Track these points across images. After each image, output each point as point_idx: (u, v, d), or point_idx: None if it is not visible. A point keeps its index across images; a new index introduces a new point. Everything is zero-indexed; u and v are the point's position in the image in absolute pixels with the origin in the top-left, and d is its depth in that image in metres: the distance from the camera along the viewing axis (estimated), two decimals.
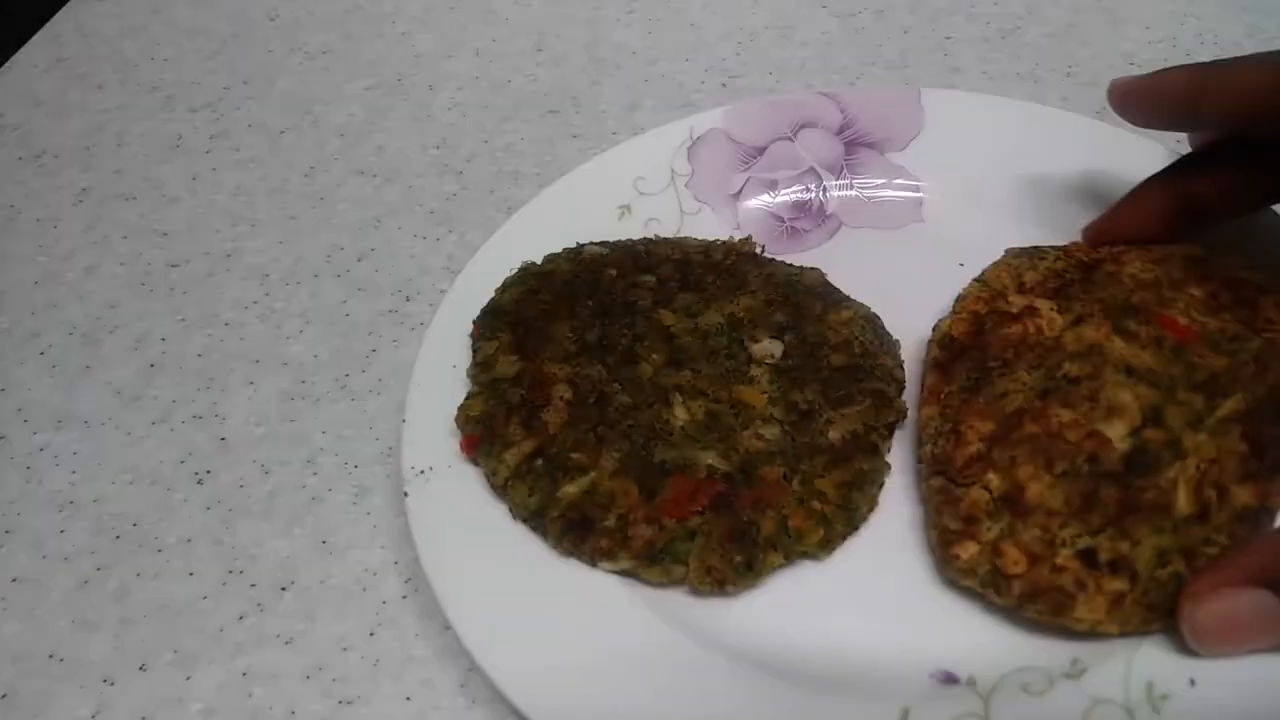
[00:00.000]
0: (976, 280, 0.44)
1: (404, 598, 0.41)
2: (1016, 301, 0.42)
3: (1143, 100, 0.42)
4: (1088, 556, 0.34)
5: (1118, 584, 0.34)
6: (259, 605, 0.41)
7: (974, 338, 0.41)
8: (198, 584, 0.42)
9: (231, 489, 0.45)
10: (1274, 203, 0.43)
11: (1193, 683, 0.32)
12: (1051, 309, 0.41)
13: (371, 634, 0.40)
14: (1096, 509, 0.35)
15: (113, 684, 0.39)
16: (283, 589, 0.41)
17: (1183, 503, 0.35)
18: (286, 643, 0.40)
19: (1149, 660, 0.33)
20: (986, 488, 0.37)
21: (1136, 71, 0.59)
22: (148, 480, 0.46)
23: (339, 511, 0.44)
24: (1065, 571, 0.34)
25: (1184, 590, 0.33)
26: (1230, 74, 0.39)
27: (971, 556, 0.35)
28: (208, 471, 0.46)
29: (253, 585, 0.42)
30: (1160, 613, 0.33)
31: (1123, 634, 0.34)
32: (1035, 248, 0.45)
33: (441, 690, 0.38)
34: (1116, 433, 0.36)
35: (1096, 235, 0.45)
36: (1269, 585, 0.32)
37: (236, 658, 0.40)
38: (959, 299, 0.43)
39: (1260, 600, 0.32)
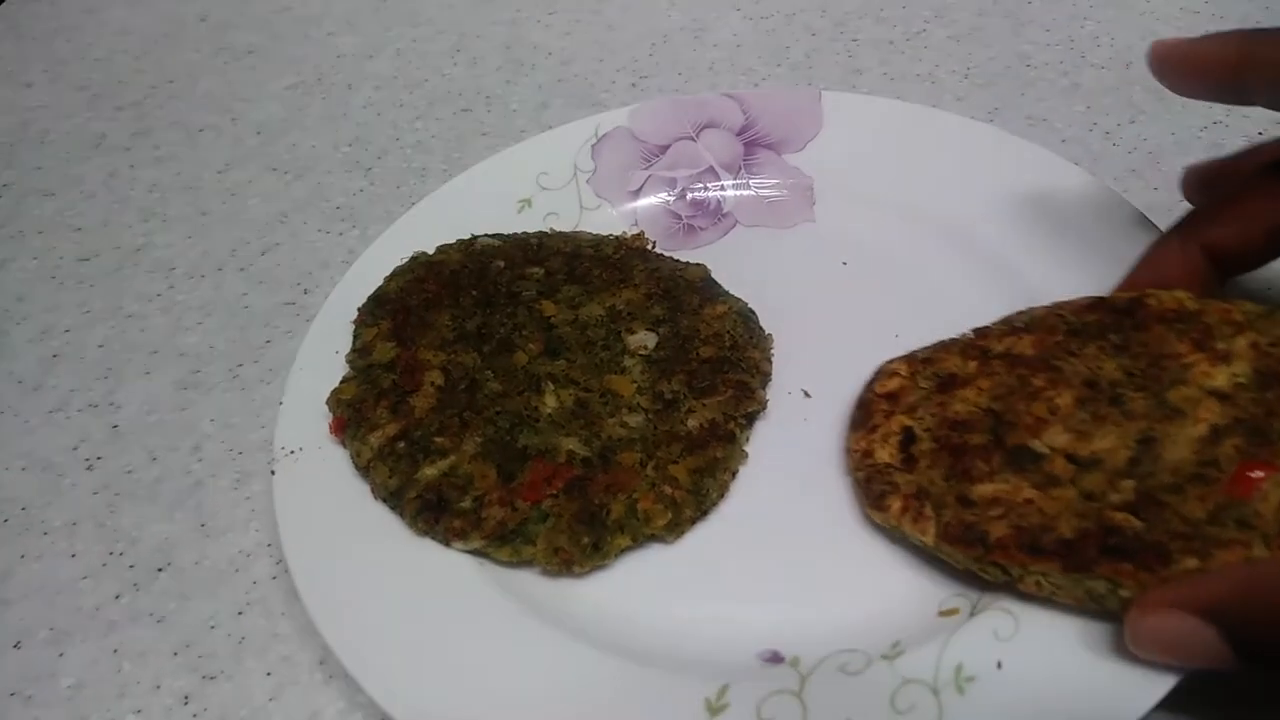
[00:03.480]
0: (1266, 308, 0.39)
1: (274, 578, 0.42)
2: (1230, 344, 0.38)
3: (1185, 65, 0.38)
4: (908, 435, 0.40)
5: (885, 453, 0.39)
6: (135, 585, 0.42)
7: (1128, 309, 0.41)
8: (79, 565, 0.43)
9: (119, 474, 0.46)
10: None
11: (999, 665, 0.34)
12: (1236, 376, 0.37)
13: (240, 613, 0.41)
14: (959, 432, 0.39)
15: None
16: (159, 570, 0.43)
17: (980, 491, 0.36)
18: (159, 621, 0.41)
19: (962, 644, 0.35)
20: (965, 362, 0.41)
21: (1030, 73, 0.61)
22: (40, 466, 0.47)
23: (220, 496, 0.45)
24: (891, 427, 0.40)
25: (1137, 599, 0.32)
26: None
27: (896, 363, 0.43)
28: (98, 458, 0.47)
29: (131, 566, 0.43)
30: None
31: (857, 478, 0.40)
32: None
33: (301, 666, 0.39)
34: (1052, 438, 0.37)
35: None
36: (1217, 617, 0.30)
37: (109, 635, 0.41)
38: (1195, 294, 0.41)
39: (1203, 635, 0.30)
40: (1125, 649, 0.33)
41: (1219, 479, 0.34)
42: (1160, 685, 0.32)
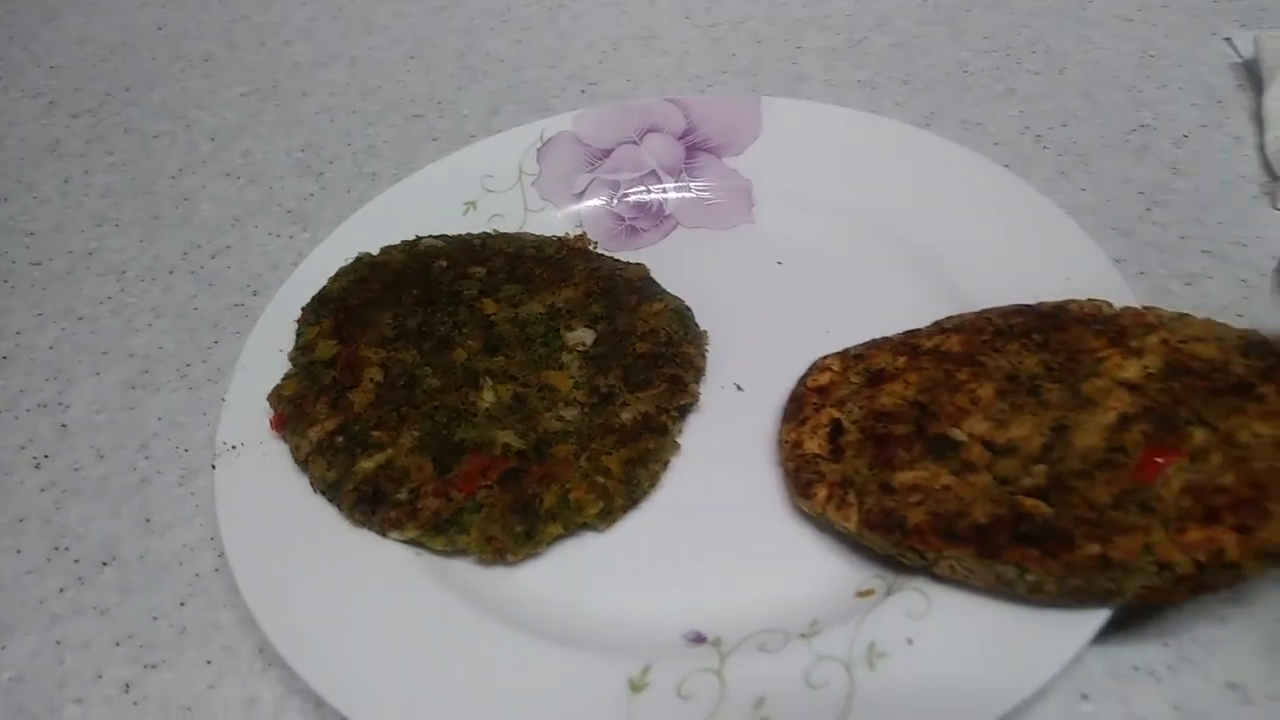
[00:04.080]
0: (1178, 313, 0.41)
1: (216, 570, 0.43)
2: (1143, 341, 0.40)
3: None
4: (837, 426, 0.41)
5: (814, 444, 0.40)
6: (80, 579, 0.43)
7: (1051, 314, 0.42)
8: (23, 560, 0.44)
9: (67, 472, 0.47)
10: None
11: (910, 642, 0.35)
12: (1147, 368, 0.39)
13: (182, 604, 0.42)
14: (884, 423, 0.40)
15: None
16: (104, 564, 0.44)
17: (901, 479, 0.38)
18: (102, 613, 0.42)
19: (876, 622, 0.36)
20: (895, 359, 0.43)
21: (968, 79, 0.62)
22: None
23: (165, 492, 0.46)
24: (820, 420, 0.41)
25: None
26: None
27: (830, 359, 0.44)
28: (46, 456, 0.48)
29: (76, 560, 0.44)
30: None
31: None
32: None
33: (241, 655, 0.40)
34: (971, 427, 0.39)
35: None
36: None
37: (53, 628, 0.42)
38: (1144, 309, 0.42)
39: None
40: (1027, 626, 0.34)
41: (1126, 464, 0.36)
42: (1056, 661, 0.33)
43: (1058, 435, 0.37)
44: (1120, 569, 0.33)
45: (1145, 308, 0.42)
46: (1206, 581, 0.33)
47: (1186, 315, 0.41)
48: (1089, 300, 0.43)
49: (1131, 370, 0.39)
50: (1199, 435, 0.36)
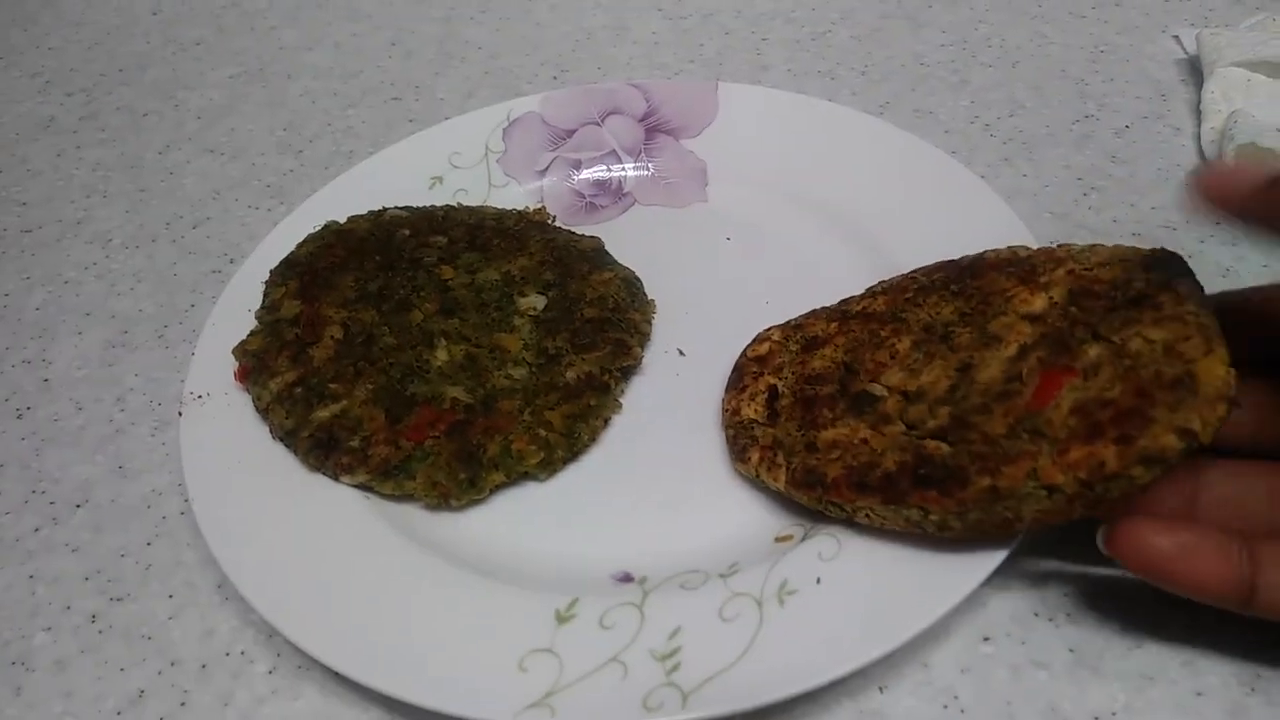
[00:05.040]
0: (1089, 245, 0.42)
1: (182, 514, 0.45)
2: (1051, 275, 0.41)
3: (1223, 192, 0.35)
4: (773, 393, 0.43)
5: (751, 410, 0.43)
6: (54, 519, 0.46)
7: (969, 265, 0.44)
8: (1, 502, 0.47)
9: (46, 422, 0.50)
10: None
11: (819, 581, 0.37)
12: (1052, 298, 0.39)
13: (149, 544, 0.44)
14: (813, 385, 0.42)
15: None
16: (77, 506, 0.46)
17: (824, 437, 0.40)
18: (73, 551, 0.44)
19: (790, 564, 0.38)
20: (828, 325, 0.45)
21: (923, 70, 0.65)
22: None
23: (138, 442, 0.48)
24: (758, 387, 0.44)
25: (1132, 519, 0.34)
26: None
27: (772, 330, 0.47)
28: (28, 408, 0.51)
29: (51, 503, 0.46)
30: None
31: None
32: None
33: (201, 590, 0.43)
34: (889, 379, 0.41)
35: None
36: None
37: (26, 563, 0.44)
38: (1052, 248, 0.43)
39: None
40: (930, 566, 0.36)
41: (1021, 392, 0.37)
42: (950, 599, 0.36)
43: (963, 375, 0.39)
44: (1010, 497, 0.34)
45: (1058, 245, 0.43)
46: (1100, 496, 0.34)
47: (1097, 245, 0.42)
48: (1006, 247, 0.44)
49: (1038, 303, 0.40)
50: (1092, 351, 0.36)
